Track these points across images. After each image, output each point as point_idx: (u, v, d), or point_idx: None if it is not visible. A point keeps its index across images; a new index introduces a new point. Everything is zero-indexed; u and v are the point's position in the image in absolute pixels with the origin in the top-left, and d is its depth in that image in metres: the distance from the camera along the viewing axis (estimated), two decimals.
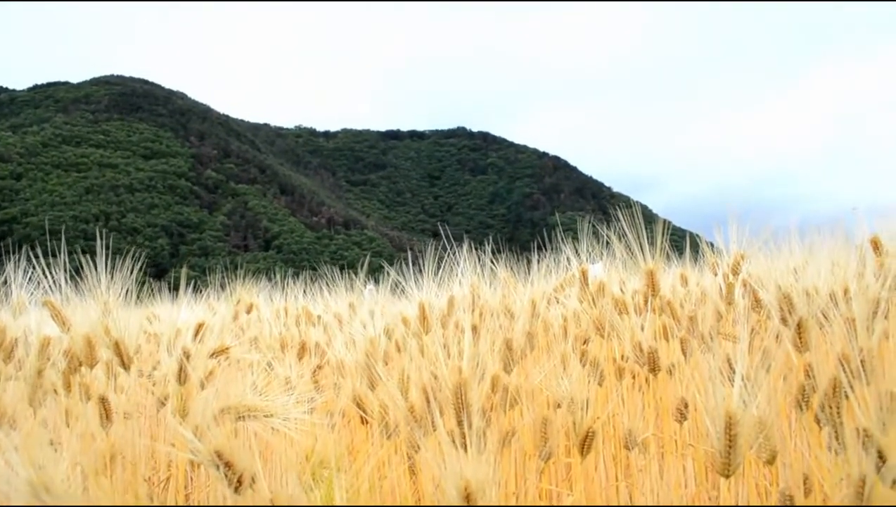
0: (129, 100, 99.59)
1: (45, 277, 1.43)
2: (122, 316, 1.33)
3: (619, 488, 1.46)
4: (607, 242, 1.72)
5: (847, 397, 0.94)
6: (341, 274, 2.78)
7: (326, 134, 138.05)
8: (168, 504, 1.36)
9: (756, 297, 1.56)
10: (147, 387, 1.82)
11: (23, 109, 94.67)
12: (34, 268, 1.43)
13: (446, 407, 1.09)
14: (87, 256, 1.40)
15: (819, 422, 0.98)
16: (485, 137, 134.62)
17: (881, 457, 0.79)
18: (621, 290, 1.82)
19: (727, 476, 0.87)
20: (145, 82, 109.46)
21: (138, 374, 1.91)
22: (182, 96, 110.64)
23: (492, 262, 2.05)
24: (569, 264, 1.91)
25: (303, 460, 1.20)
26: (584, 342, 1.66)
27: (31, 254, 1.46)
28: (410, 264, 1.90)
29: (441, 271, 1.90)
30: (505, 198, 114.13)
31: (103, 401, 1.16)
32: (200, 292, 2.77)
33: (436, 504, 0.81)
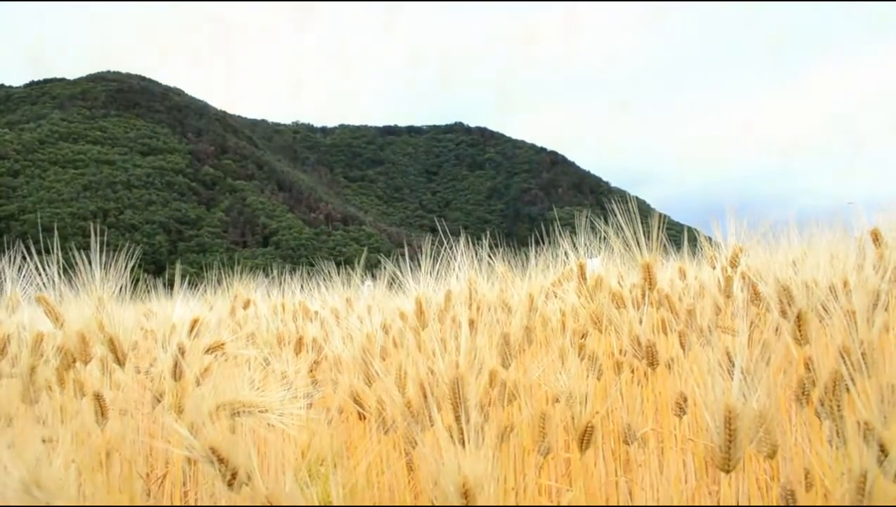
0: (126, 96, 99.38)
1: (41, 273, 1.42)
2: (117, 312, 1.32)
3: (619, 483, 1.45)
4: (605, 237, 1.70)
5: (848, 390, 0.93)
6: (339, 270, 2.77)
7: (324, 130, 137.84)
8: (166, 504, 1.35)
9: (755, 290, 1.55)
10: (143, 383, 1.81)
11: (19, 106, 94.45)
12: (29, 264, 1.42)
13: (443, 402, 1.08)
14: (83, 252, 1.39)
15: (819, 416, 0.97)
16: (482, 132, 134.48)
17: (882, 451, 0.78)
18: (619, 284, 1.81)
19: (727, 471, 0.86)
20: (142, 79, 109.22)
21: (135, 370, 1.90)
22: (179, 92, 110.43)
23: (489, 257, 2.04)
24: (566, 258, 1.90)
25: (299, 456, 1.20)
26: (583, 337, 1.65)
27: (25, 251, 1.45)
28: (408, 260, 1.89)
29: (438, 266, 1.89)
30: (503, 193, 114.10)
31: (98, 398, 1.15)
32: (198, 288, 2.76)
33: (436, 504, 0.80)
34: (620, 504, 1.31)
